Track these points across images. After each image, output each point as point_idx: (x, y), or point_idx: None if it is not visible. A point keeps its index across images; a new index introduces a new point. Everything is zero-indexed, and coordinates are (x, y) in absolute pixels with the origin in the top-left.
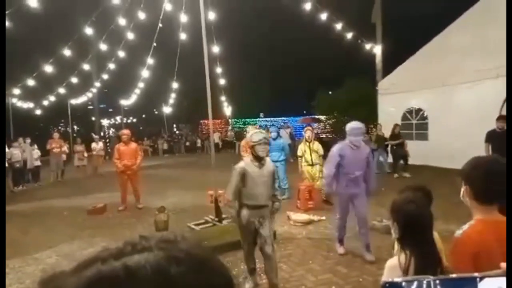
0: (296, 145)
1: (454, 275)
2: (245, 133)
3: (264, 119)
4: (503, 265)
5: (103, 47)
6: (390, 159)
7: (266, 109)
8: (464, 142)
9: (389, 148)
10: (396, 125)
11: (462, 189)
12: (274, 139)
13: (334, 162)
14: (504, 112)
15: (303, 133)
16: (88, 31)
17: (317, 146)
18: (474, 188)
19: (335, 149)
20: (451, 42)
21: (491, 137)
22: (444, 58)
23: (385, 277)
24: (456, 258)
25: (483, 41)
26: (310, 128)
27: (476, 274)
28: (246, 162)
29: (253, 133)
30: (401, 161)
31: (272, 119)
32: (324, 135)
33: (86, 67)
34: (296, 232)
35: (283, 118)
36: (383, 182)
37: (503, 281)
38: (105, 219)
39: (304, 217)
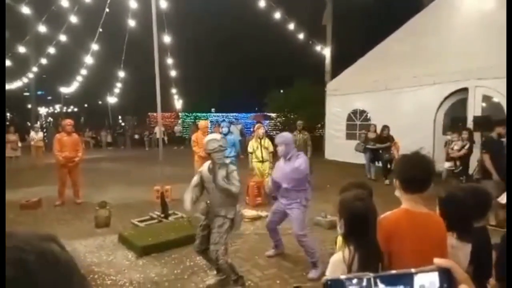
0: (246, 142)
1: (392, 271)
2: (197, 126)
3: (215, 114)
4: (436, 260)
5: (43, 29)
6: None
7: (218, 104)
8: (403, 143)
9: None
10: (384, 127)
11: (395, 183)
12: (225, 135)
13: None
14: (438, 117)
15: (253, 129)
16: (26, 10)
17: (268, 143)
18: (400, 180)
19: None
20: (394, 49)
21: (490, 145)
22: (387, 64)
23: (329, 272)
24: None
25: (422, 49)
26: (261, 125)
27: (412, 270)
28: (204, 168)
29: (208, 140)
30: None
31: (223, 114)
32: (274, 132)
33: (22, 49)
34: (243, 228)
35: (234, 114)
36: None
37: (435, 276)
38: (40, 215)
39: (252, 213)
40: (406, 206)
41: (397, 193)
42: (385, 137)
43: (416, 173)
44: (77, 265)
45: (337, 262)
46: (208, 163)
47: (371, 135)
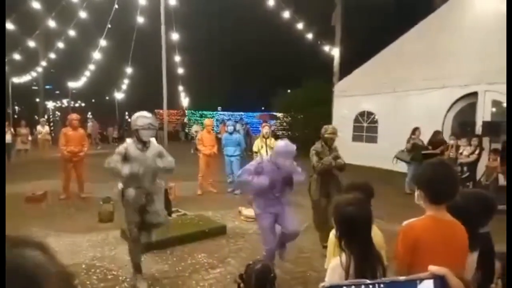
0: (252, 141)
1: (395, 278)
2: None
3: (221, 112)
4: (431, 268)
5: (53, 23)
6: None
7: (224, 103)
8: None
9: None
10: (437, 132)
11: (416, 193)
12: (230, 133)
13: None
14: (447, 122)
15: (260, 128)
16: (36, 4)
17: (273, 142)
18: (424, 191)
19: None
20: (403, 51)
21: None
22: (396, 66)
23: (328, 277)
24: (398, 245)
25: (431, 52)
26: (267, 124)
27: (416, 276)
28: (128, 144)
29: (138, 116)
30: None
31: (229, 113)
32: (280, 132)
33: (31, 43)
34: (246, 227)
35: (240, 113)
36: None
37: (430, 283)
38: (45, 208)
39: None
40: (432, 214)
41: (418, 201)
42: (439, 142)
43: (446, 186)
44: (52, 277)
45: (335, 267)
46: (130, 142)
47: (418, 141)
